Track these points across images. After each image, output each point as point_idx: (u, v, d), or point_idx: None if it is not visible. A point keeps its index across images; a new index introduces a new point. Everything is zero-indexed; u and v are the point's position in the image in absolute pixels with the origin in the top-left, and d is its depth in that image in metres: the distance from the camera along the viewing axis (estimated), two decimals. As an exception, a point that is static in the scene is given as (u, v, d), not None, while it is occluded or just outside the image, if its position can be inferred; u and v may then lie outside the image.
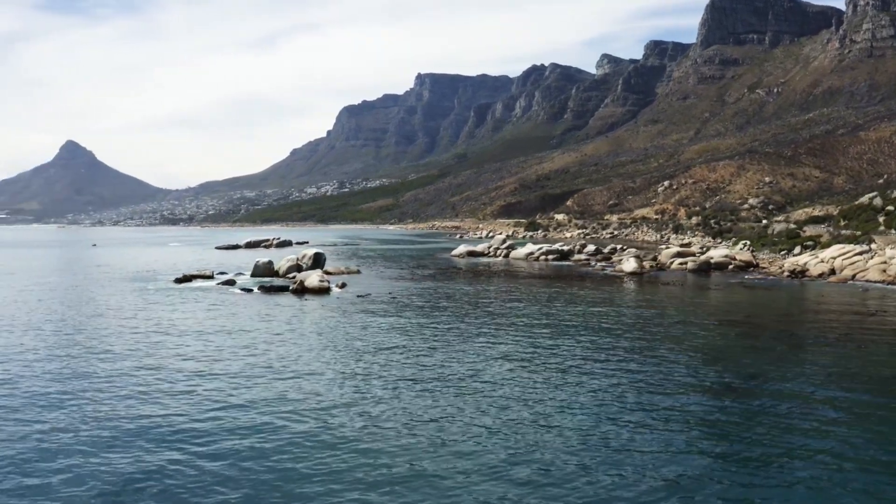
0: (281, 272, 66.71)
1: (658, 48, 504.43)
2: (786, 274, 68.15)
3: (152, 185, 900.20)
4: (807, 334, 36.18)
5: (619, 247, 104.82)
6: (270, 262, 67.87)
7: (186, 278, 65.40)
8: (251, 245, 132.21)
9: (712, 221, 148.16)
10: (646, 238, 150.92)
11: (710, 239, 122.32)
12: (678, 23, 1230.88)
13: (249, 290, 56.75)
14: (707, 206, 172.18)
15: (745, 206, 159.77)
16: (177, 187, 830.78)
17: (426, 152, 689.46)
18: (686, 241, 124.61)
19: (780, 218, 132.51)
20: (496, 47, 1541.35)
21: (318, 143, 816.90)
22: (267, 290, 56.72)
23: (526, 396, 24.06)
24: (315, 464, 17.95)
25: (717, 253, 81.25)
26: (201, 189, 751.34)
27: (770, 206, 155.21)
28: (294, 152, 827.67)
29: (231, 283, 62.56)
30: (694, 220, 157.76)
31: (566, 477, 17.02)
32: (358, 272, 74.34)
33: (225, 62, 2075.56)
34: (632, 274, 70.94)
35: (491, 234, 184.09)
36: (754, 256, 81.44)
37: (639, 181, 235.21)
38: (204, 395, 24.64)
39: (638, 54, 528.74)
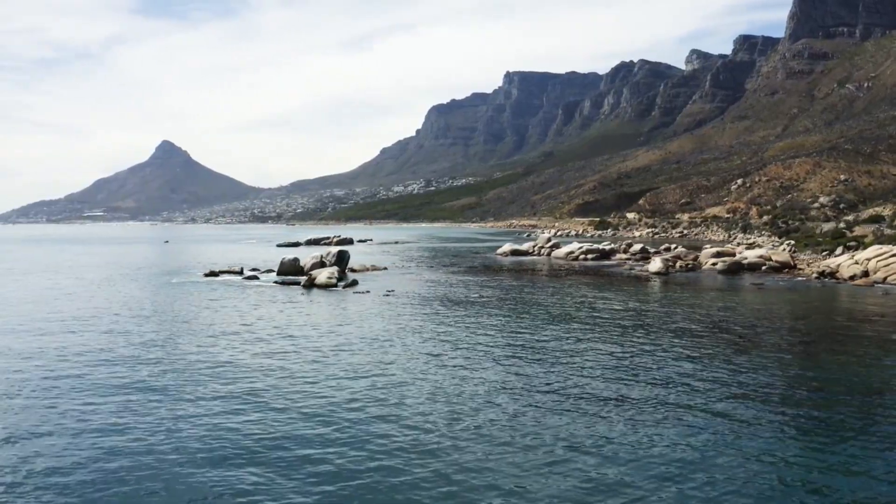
0: (306, 269, 69.05)
1: (747, 43, 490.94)
2: (814, 276, 66.70)
3: (245, 184, 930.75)
4: (762, 335, 36.06)
5: (672, 246, 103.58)
6: (296, 259, 70.46)
7: (214, 273, 68.93)
8: (311, 242, 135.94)
9: (780, 221, 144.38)
10: (714, 237, 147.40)
11: (777, 238, 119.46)
12: (772, 16, 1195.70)
13: (266, 285, 59.57)
14: (778, 204, 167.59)
15: (816, 204, 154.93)
16: (269, 186, 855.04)
17: (514, 150, 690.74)
18: (752, 240, 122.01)
19: (849, 217, 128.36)
20: (585, 45, 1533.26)
21: (407, 142, 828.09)
22: (280, 284, 59.51)
23: (458, 385, 25.37)
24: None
25: (752, 254, 79.84)
26: (293, 188, 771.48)
27: (841, 205, 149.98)
28: (384, 151, 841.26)
29: (254, 278, 65.75)
30: (764, 219, 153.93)
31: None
32: (384, 269, 76.44)
33: (318, 63, 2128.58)
34: (657, 274, 70.70)
35: (559, 233, 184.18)
36: (793, 257, 79.69)
37: (713, 179, 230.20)
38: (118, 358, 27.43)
39: (730, 50, 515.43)
